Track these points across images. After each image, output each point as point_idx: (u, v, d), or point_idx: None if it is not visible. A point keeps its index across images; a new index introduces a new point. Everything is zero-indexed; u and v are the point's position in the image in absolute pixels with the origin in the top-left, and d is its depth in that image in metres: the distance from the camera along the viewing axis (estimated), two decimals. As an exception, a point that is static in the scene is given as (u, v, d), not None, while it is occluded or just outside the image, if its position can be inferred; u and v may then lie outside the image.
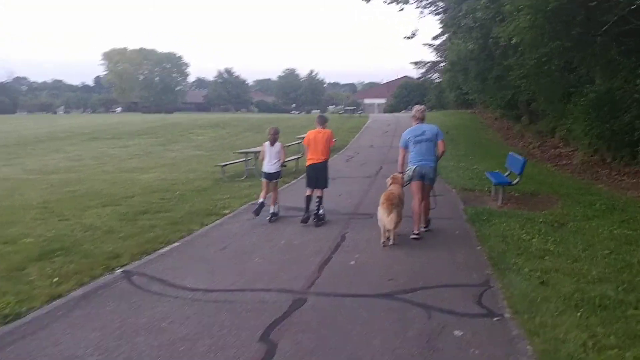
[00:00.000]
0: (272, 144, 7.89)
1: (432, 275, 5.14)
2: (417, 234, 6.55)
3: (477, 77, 29.84)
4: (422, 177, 6.63)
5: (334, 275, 5.17)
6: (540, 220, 7.60)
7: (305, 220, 7.40)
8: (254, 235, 6.95)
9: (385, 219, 6.05)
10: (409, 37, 20.85)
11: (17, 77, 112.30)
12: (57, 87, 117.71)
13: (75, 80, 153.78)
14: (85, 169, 16.92)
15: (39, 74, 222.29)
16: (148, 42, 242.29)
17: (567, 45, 10.86)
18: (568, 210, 8.32)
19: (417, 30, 20.58)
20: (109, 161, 19.53)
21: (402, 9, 19.69)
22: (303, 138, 8.74)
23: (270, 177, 7.85)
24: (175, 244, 6.49)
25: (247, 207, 8.93)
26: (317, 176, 7.56)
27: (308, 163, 7.66)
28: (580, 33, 10.65)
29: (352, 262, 5.59)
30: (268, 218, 7.72)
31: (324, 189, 7.68)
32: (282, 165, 8.04)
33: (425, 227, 6.91)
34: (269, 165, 7.83)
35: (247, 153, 13.35)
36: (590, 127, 13.04)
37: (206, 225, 7.56)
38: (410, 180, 6.67)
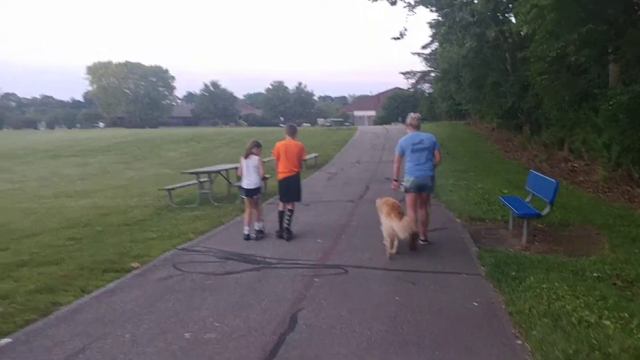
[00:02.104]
0: (246, 157, 7.31)
1: None
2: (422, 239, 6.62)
3: (471, 84, 27.74)
4: (420, 189, 6.45)
5: None
6: (595, 274, 5.13)
7: (281, 236, 7.11)
8: (148, 317, 4.24)
9: (396, 225, 5.74)
10: (397, 38, 18.59)
11: (6, 93, 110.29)
12: (46, 103, 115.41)
13: (65, 96, 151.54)
14: (16, 194, 14.31)
15: (28, 91, 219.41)
16: (134, 56, 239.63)
17: (602, 29, 8.37)
18: (624, 255, 5.84)
19: (405, 30, 18.27)
20: (54, 183, 16.93)
21: (394, 2, 17.43)
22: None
23: (249, 193, 7.30)
24: (1, 342, 3.84)
25: (171, 255, 6.32)
26: (291, 190, 7.22)
27: (280, 177, 7.20)
28: (619, 13, 8.17)
29: (293, 395, 2.99)
30: (254, 236, 7.15)
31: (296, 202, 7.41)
32: (263, 179, 7.58)
33: (423, 240, 6.58)
34: (247, 180, 7.30)
35: (199, 174, 10.72)
36: (619, 137, 10.63)
37: (87, 293, 4.89)
38: (407, 191, 6.48)
